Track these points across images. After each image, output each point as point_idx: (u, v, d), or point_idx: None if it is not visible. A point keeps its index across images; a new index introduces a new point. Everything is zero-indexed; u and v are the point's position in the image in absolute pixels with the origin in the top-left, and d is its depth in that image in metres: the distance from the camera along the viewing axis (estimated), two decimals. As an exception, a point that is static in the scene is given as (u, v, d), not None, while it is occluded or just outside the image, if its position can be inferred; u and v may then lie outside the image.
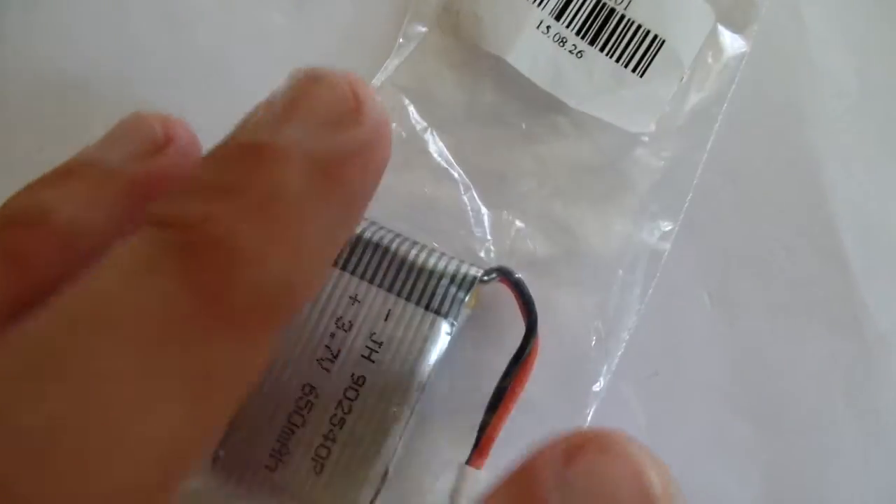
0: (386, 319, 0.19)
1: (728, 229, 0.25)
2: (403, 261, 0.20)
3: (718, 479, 0.23)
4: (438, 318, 0.19)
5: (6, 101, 0.25)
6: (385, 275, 0.20)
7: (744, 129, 0.25)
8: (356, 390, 0.19)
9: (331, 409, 0.19)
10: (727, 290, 0.25)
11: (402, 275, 0.20)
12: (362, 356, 0.19)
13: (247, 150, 0.13)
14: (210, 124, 0.15)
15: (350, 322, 0.19)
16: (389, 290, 0.19)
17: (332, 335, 0.19)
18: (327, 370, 0.19)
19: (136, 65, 0.26)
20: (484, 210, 0.24)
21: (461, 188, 0.24)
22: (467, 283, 0.20)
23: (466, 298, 0.20)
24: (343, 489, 0.19)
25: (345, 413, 0.19)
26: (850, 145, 0.25)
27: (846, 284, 0.24)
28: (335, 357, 0.19)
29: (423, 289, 0.19)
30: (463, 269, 0.20)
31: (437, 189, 0.24)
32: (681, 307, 0.24)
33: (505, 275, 0.21)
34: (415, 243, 0.20)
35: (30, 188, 0.15)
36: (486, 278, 0.21)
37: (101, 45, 0.26)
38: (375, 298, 0.19)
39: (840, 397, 0.23)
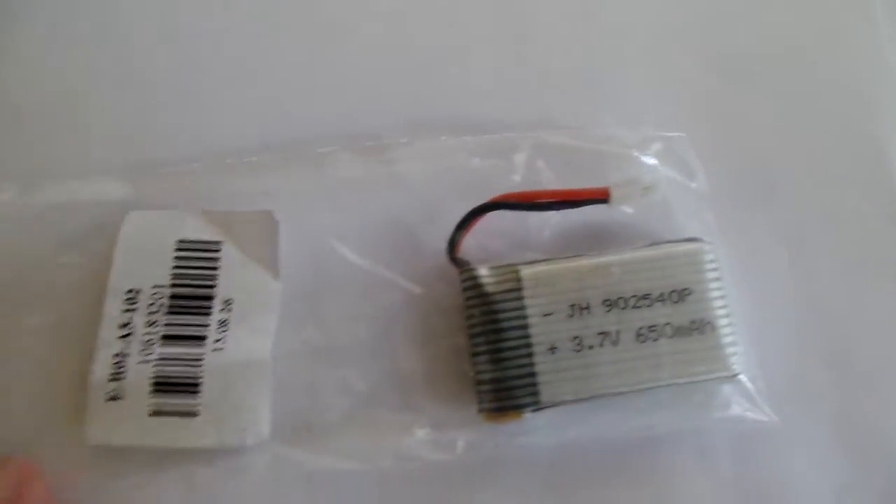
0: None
1: (806, 197, 0.27)
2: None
3: (793, 418, 0.26)
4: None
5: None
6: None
7: (821, 113, 0.27)
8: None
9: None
10: (805, 249, 0.27)
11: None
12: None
13: None
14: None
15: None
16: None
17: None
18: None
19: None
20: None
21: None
22: None
23: None
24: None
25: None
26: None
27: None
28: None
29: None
30: None
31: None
32: (762, 263, 0.27)
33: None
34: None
35: None
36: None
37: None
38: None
39: (907, 345, 0.26)
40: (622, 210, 0.27)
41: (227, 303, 0.27)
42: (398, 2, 0.30)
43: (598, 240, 0.27)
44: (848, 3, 0.30)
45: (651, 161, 0.27)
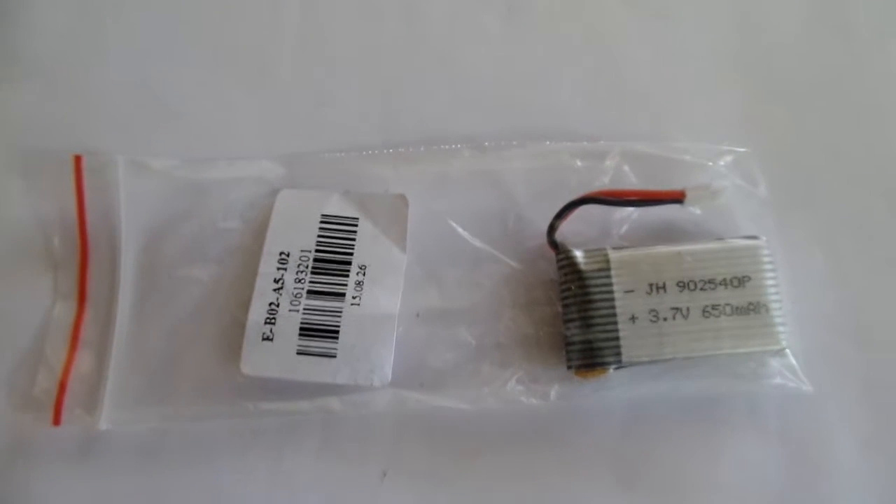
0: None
1: (842, 203, 0.34)
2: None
3: (826, 386, 0.31)
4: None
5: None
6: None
7: (857, 133, 0.34)
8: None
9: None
10: (838, 246, 0.33)
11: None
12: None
13: None
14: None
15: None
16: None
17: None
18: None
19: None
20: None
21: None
22: None
23: None
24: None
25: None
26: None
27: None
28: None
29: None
30: None
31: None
32: (803, 257, 0.33)
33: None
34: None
35: None
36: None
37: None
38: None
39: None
40: (691, 211, 0.32)
41: (363, 267, 0.32)
42: (511, 34, 0.36)
43: (668, 236, 0.32)
44: (883, 39, 0.37)
45: (720, 171, 0.33)
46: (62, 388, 0.31)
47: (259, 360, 0.31)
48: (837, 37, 0.36)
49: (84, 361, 0.31)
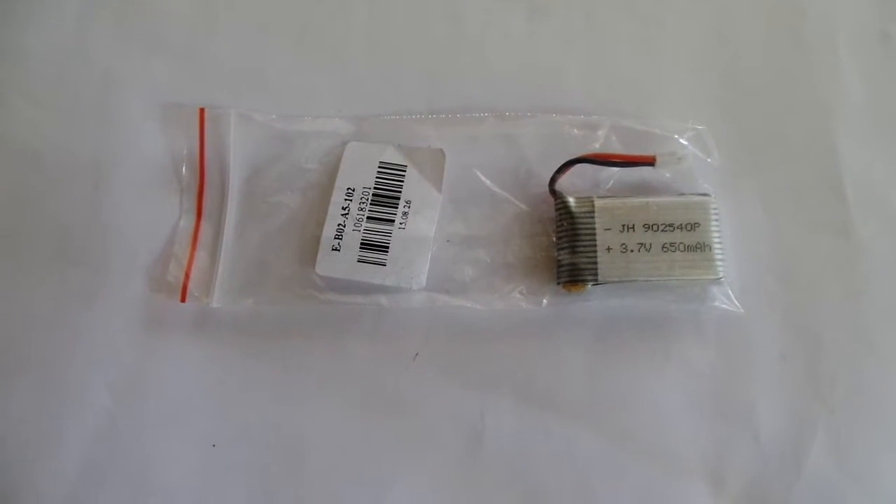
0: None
1: (778, 171, 0.43)
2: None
3: (754, 310, 0.41)
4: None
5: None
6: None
7: (794, 116, 0.43)
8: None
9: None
10: (773, 204, 0.43)
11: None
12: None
13: None
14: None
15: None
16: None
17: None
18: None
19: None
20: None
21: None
22: None
23: None
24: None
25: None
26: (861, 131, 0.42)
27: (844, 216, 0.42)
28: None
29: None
30: None
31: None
32: (745, 212, 0.43)
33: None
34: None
35: None
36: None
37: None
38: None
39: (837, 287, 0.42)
40: (661, 172, 0.42)
41: (408, 202, 0.43)
42: (531, 30, 0.46)
43: (644, 189, 0.42)
44: (816, 48, 0.46)
45: (684, 142, 0.42)
46: (187, 276, 0.42)
47: (329, 265, 0.42)
48: (789, 44, 0.46)
49: (201, 259, 0.43)
